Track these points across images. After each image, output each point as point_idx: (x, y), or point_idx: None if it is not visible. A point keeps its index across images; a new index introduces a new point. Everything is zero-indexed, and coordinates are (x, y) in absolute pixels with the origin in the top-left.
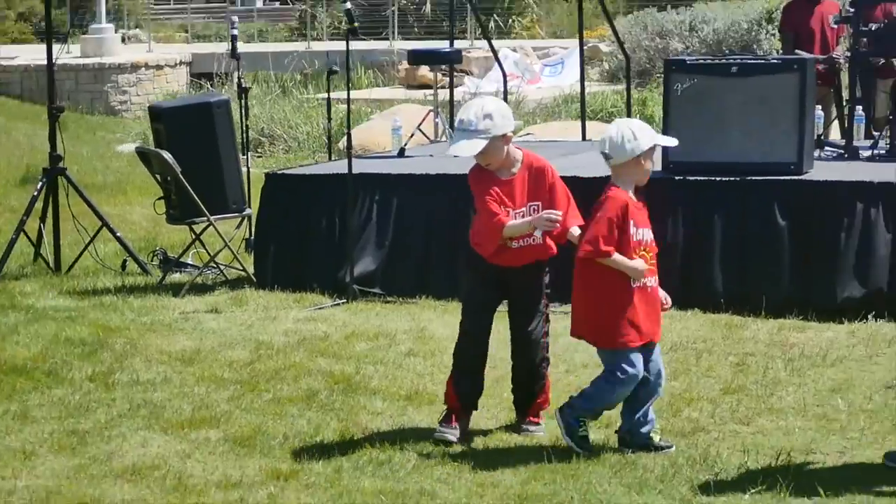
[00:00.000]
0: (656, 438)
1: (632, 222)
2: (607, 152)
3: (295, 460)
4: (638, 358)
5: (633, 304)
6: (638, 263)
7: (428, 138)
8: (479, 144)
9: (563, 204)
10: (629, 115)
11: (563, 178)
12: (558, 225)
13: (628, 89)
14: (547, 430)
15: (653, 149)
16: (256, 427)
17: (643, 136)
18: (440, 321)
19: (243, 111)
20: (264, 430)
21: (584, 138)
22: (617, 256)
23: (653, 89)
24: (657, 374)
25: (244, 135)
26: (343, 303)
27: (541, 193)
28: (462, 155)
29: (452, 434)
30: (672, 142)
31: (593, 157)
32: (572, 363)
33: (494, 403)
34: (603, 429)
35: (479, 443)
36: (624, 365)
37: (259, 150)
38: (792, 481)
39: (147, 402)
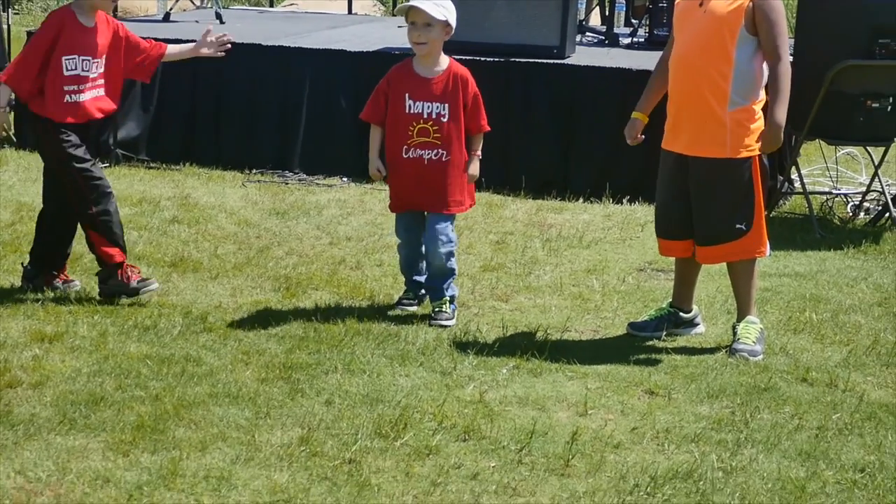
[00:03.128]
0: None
1: (407, 95)
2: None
3: (59, 323)
4: (401, 225)
5: (396, 172)
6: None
7: (193, 3)
8: (440, 12)
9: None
10: None
11: (329, 51)
12: None
13: None
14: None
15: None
16: (19, 289)
17: None
18: (204, 189)
19: None
20: (26, 292)
21: (350, 11)
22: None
23: None
24: (430, 242)
25: None
26: (106, 167)
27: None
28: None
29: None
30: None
31: (360, 30)
32: (336, 235)
33: (259, 273)
34: (366, 301)
35: (244, 311)
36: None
37: (16, 7)
38: (548, 356)
39: None
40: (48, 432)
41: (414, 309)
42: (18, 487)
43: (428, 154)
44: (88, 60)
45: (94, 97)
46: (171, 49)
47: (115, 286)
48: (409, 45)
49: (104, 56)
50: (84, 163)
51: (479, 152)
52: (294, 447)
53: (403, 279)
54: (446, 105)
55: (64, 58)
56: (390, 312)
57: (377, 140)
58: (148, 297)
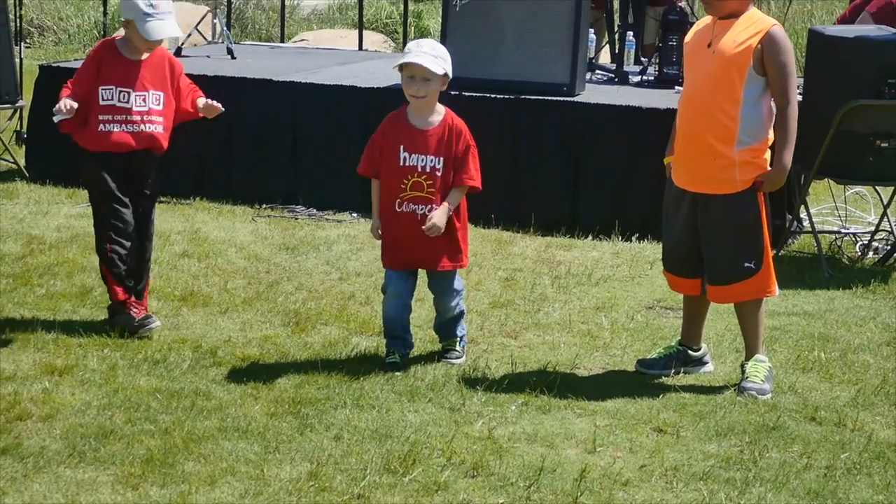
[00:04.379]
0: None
1: (401, 147)
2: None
3: (69, 356)
4: (392, 278)
5: (389, 227)
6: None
7: (205, 39)
8: (439, 66)
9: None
10: (405, 26)
11: (340, 87)
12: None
13: (405, 1)
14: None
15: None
16: (30, 321)
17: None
18: (215, 223)
19: (16, 0)
20: (36, 325)
21: (360, 47)
22: None
23: (430, 2)
24: (441, 295)
25: (17, 24)
26: None
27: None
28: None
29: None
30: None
31: (370, 66)
32: (345, 271)
33: (268, 308)
34: (376, 337)
35: (253, 346)
36: (386, 282)
37: (28, 41)
38: (557, 393)
39: None
40: (58, 465)
41: (399, 374)
42: None
43: (421, 209)
44: (127, 92)
45: (140, 131)
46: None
47: (119, 319)
48: None
49: (152, 91)
50: (112, 199)
51: (451, 205)
52: (303, 482)
53: (384, 339)
54: (441, 158)
55: (101, 88)
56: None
57: (377, 195)
58: (149, 333)
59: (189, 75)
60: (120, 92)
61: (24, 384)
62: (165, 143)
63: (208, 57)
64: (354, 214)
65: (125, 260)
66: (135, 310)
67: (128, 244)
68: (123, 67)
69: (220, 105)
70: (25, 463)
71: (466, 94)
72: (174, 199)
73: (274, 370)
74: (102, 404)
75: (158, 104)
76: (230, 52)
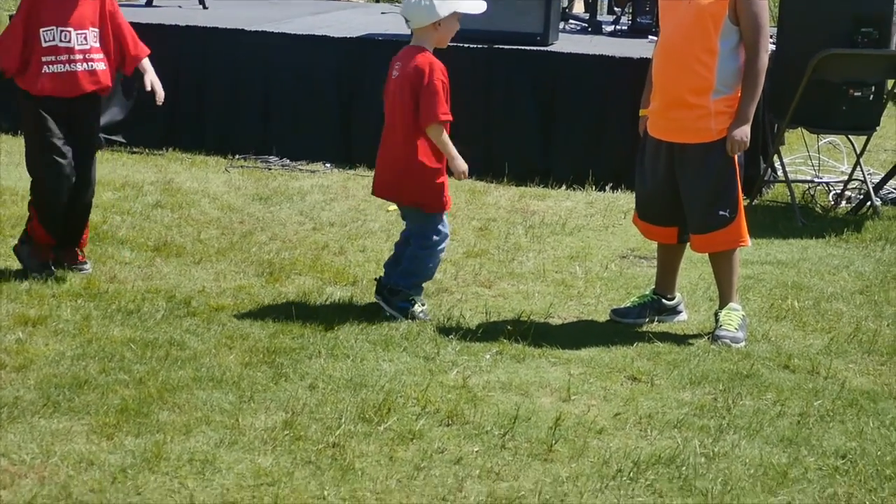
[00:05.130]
0: (417, 308)
1: None
2: (406, 15)
3: (43, 307)
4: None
5: (445, 169)
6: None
7: None
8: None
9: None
10: None
11: (312, 37)
12: None
13: None
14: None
15: (454, 14)
16: (2, 272)
17: (441, 3)
18: (187, 174)
19: None
20: (9, 276)
21: None
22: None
23: None
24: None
25: None
26: None
27: None
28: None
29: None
30: (477, 8)
31: (343, 16)
32: (319, 221)
33: (242, 258)
34: (350, 286)
35: (227, 296)
36: (440, 227)
37: None
38: (531, 342)
39: None
40: (32, 415)
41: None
42: (2, 470)
43: None
44: (68, 32)
45: (85, 70)
46: (146, 63)
47: (21, 252)
48: (391, 32)
49: (91, 28)
50: (52, 150)
51: None
52: (278, 431)
53: (418, 288)
54: None
55: (41, 29)
56: (373, 298)
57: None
58: (45, 276)
59: (160, 25)
60: (61, 32)
61: None
62: (110, 82)
63: (180, 7)
64: (328, 165)
65: (56, 215)
66: (45, 256)
67: (64, 199)
68: (60, 5)
69: (161, 94)
70: None
71: None
72: (147, 150)
73: (248, 320)
74: (76, 354)
75: (97, 41)
76: (202, 1)
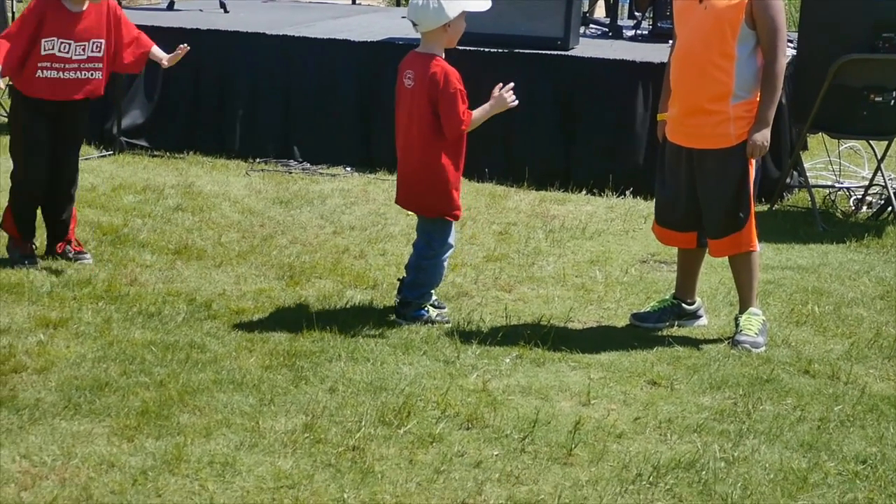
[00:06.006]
0: (433, 313)
1: None
2: (414, 19)
3: (64, 309)
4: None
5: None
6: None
7: None
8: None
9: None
10: None
11: (333, 41)
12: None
13: None
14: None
15: (462, 14)
16: (24, 275)
17: (449, 4)
18: (208, 177)
19: None
20: (32, 279)
21: (354, 1)
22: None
23: None
24: None
25: None
26: (110, 154)
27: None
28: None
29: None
30: (482, 6)
31: (364, 20)
32: (339, 225)
33: (262, 261)
34: (370, 290)
35: (248, 299)
36: (450, 239)
37: None
38: (551, 346)
39: None
40: (53, 417)
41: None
42: (24, 471)
43: None
44: (69, 43)
45: (77, 79)
46: (156, 49)
47: (12, 253)
48: (411, 36)
49: (93, 40)
50: (35, 151)
51: None
52: (298, 434)
53: (429, 293)
54: None
55: (43, 40)
56: (394, 301)
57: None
58: (38, 269)
59: (181, 29)
60: (61, 43)
61: (19, 337)
62: (102, 90)
63: (201, 11)
64: (348, 168)
65: (32, 213)
66: (26, 245)
67: (39, 192)
68: (65, 19)
69: (182, 49)
70: (21, 415)
71: (459, 47)
72: (168, 154)
73: (268, 323)
74: (97, 357)
75: (99, 51)
76: (223, 5)
